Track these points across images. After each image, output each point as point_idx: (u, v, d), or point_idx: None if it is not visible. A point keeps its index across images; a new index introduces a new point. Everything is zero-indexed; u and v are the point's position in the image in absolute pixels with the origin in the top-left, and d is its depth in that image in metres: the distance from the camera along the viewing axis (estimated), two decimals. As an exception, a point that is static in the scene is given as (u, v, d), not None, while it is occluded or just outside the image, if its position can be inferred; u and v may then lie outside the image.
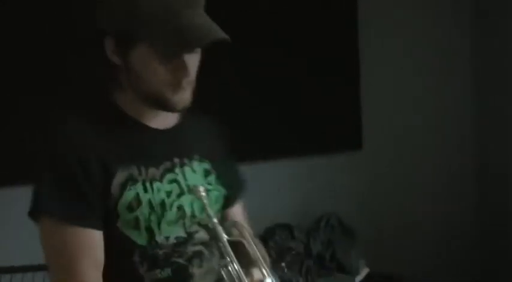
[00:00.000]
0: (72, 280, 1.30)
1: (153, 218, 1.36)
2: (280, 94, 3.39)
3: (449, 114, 3.74)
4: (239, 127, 3.12)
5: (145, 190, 1.36)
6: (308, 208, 3.44)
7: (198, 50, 1.36)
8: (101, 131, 1.36)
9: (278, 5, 3.38)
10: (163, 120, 1.43)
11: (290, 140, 3.41)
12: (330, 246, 3.31)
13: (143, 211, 1.35)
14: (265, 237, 3.13)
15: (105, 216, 1.33)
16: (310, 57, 3.44)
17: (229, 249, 1.31)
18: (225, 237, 1.31)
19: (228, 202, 1.53)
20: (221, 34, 1.31)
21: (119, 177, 1.34)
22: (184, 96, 1.36)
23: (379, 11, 3.58)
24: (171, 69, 1.32)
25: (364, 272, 3.27)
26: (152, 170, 1.38)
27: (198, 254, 1.41)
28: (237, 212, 1.57)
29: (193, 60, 1.35)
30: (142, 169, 1.37)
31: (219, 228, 1.34)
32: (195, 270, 1.40)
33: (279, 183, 3.35)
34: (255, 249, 1.31)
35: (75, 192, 1.31)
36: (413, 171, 3.65)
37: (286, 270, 3.15)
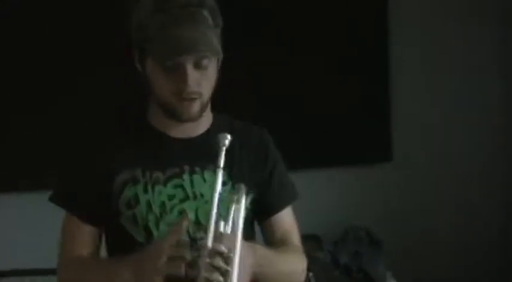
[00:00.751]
0: (61, 254, 1.55)
1: (151, 217, 1.48)
2: (311, 105, 3.42)
3: (480, 126, 3.71)
4: (275, 138, 3.16)
5: (146, 191, 1.49)
6: (336, 219, 3.46)
7: (206, 65, 1.44)
8: (121, 138, 1.53)
9: (303, 14, 3.42)
10: (185, 130, 1.52)
11: (320, 151, 3.45)
12: (357, 257, 3.32)
13: (140, 210, 1.48)
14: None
15: (110, 214, 1.50)
16: (340, 68, 3.46)
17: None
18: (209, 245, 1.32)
19: (270, 210, 1.60)
20: (202, 47, 1.40)
21: (122, 177, 1.49)
22: (191, 107, 1.44)
23: (410, 20, 3.58)
24: (174, 80, 1.42)
25: (391, 283, 3.28)
26: (157, 174, 1.49)
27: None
28: (283, 219, 1.63)
29: (196, 74, 1.42)
30: (147, 172, 1.49)
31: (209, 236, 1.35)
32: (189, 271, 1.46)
33: (308, 194, 3.36)
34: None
35: (76, 185, 1.52)
36: (442, 183, 3.64)
37: (313, 280, 3.18)
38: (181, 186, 1.48)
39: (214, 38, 1.44)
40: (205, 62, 1.43)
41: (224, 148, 1.38)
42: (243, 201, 1.40)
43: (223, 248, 1.29)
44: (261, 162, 1.61)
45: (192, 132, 1.55)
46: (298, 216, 3.19)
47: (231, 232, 1.34)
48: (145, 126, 1.55)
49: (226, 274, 1.28)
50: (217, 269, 1.28)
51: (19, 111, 3.17)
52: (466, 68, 3.67)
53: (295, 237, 1.64)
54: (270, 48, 3.33)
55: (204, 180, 1.51)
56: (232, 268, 1.29)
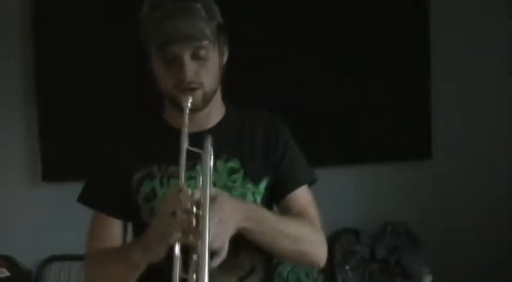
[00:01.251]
0: (87, 251, 1.64)
1: None
2: (353, 102, 3.49)
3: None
4: (313, 133, 3.25)
5: (162, 185, 1.56)
6: (375, 214, 3.50)
7: (205, 56, 1.49)
8: (139, 137, 1.62)
9: (347, 17, 3.50)
10: (197, 124, 1.57)
11: (361, 147, 3.51)
12: (394, 252, 3.37)
13: (158, 202, 1.54)
14: (331, 240, 3.21)
15: (132, 212, 1.59)
16: (381, 67, 3.52)
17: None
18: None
19: (284, 189, 1.61)
20: (193, 35, 1.46)
21: (139, 173, 1.57)
22: (193, 97, 1.50)
23: (451, 25, 3.61)
24: (173, 72, 1.48)
25: (428, 279, 3.31)
26: (172, 168, 1.55)
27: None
28: (298, 197, 1.62)
29: (194, 64, 1.48)
30: (163, 167, 1.56)
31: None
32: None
33: (348, 189, 3.44)
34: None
35: (98, 185, 1.63)
36: (482, 181, 3.65)
37: (350, 273, 3.24)
38: (195, 178, 1.49)
39: (207, 28, 1.48)
40: (202, 52, 1.48)
41: (207, 148, 1.43)
42: (210, 147, 1.43)
43: (188, 205, 1.33)
44: (273, 145, 1.64)
45: (205, 125, 1.60)
46: (339, 210, 3.28)
47: (201, 187, 1.37)
48: (161, 124, 1.63)
49: (195, 232, 1.31)
50: (188, 228, 1.31)
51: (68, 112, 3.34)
52: (506, 69, 3.68)
53: (313, 215, 1.61)
54: (307, 57, 3.43)
55: (216, 170, 1.55)
56: (203, 225, 1.30)
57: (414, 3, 3.57)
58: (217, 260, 1.34)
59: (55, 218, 3.35)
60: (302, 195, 1.63)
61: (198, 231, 1.30)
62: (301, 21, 3.44)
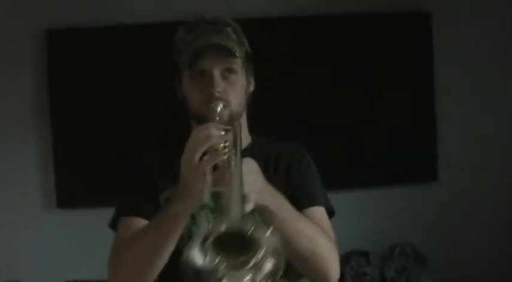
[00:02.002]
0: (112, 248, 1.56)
1: (195, 228, 1.55)
2: (360, 125, 3.56)
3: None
4: (323, 157, 3.30)
5: None
6: (383, 236, 3.55)
7: (233, 77, 1.54)
8: (167, 157, 1.58)
9: (353, 39, 3.57)
10: None
11: (369, 170, 3.56)
12: (403, 273, 3.40)
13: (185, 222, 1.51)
14: (341, 263, 3.24)
15: None
16: (388, 89, 3.58)
17: None
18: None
19: (302, 203, 1.57)
20: (224, 46, 1.50)
21: (167, 192, 1.56)
22: (220, 112, 1.51)
23: (454, 41, 3.67)
24: (202, 87, 1.52)
25: (436, 298, 3.34)
26: None
27: None
28: (315, 214, 1.59)
29: (223, 83, 1.52)
30: None
31: None
32: None
33: (357, 211, 3.48)
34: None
35: (133, 197, 1.59)
36: (486, 202, 3.68)
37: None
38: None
39: (237, 48, 1.54)
40: (232, 70, 1.53)
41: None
42: None
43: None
44: (295, 167, 1.65)
45: None
46: (348, 233, 3.32)
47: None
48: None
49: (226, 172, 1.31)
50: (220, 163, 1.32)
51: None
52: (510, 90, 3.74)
53: (329, 232, 1.57)
54: (317, 72, 3.50)
55: None
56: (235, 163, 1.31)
57: (418, 23, 3.63)
58: (249, 206, 1.30)
59: (69, 244, 3.41)
60: (319, 215, 1.60)
61: (229, 172, 1.30)
62: (307, 49, 3.53)
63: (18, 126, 3.47)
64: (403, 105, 3.60)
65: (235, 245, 1.23)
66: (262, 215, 1.43)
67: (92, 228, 3.33)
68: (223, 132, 1.37)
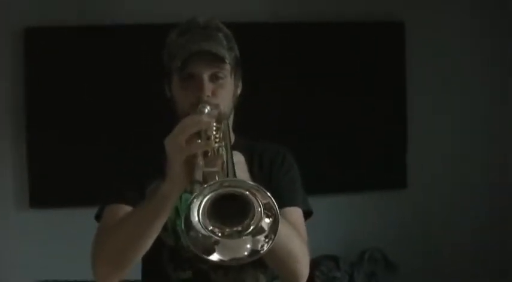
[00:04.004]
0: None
1: (179, 223, 1.57)
2: (328, 132, 3.60)
3: (494, 154, 3.81)
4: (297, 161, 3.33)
5: None
6: (353, 241, 3.59)
7: (221, 81, 1.57)
8: (155, 153, 1.56)
9: (329, 50, 3.62)
10: None
11: (339, 176, 3.61)
12: (372, 278, 3.45)
13: (170, 215, 1.53)
14: (311, 267, 3.27)
15: None
16: (361, 96, 3.63)
17: None
18: None
19: (279, 203, 1.53)
20: (213, 52, 1.54)
21: (152, 186, 1.56)
22: (208, 114, 1.53)
23: (427, 54, 3.74)
24: (191, 91, 1.55)
25: (405, 304, 3.39)
26: None
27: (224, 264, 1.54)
28: (291, 214, 1.59)
29: (212, 86, 1.55)
30: None
31: None
32: (219, 279, 1.57)
33: (327, 217, 3.50)
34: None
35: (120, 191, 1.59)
36: (455, 209, 3.74)
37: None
38: None
39: (227, 54, 1.57)
40: (221, 75, 1.56)
41: None
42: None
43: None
44: (276, 166, 1.68)
45: None
46: (318, 238, 3.34)
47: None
48: None
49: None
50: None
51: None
52: (483, 100, 3.81)
53: (302, 234, 1.59)
54: (292, 77, 3.55)
55: None
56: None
57: (391, 31, 3.70)
58: None
59: (41, 244, 3.38)
60: (294, 216, 1.60)
61: (221, 158, 1.32)
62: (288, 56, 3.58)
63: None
64: (375, 112, 3.66)
65: (231, 213, 1.26)
66: None
67: (64, 228, 3.36)
68: (214, 123, 1.39)
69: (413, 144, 3.73)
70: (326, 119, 3.60)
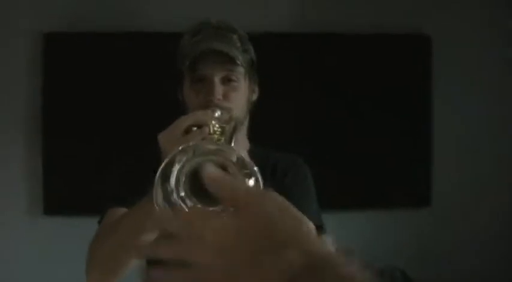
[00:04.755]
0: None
1: None
2: (352, 147, 3.52)
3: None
4: (315, 175, 3.27)
5: None
6: (372, 260, 3.49)
7: (234, 84, 1.51)
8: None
9: (352, 62, 3.55)
10: None
11: (361, 193, 3.53)
12: (392, 298, 3.37)
13: None
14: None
15: None
16: (382, 113, 3.56)
17: None
18: None
19: None
20: (226, 53, 1.48)
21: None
22: (218, 117, 1.47)
23: (454, 72, 3.66)
24: (202, 93, 1.50)
25: (425, 326, 3.30)
26: None
27: None
28: None
29: (224, 88, 1.50)
30: None
31: None
32: None
33: (346, 234, 3.40)
34: None
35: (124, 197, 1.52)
36: (480, 229, 3.67)
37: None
38: None
39: (240, 56, 1.51)
40: (233, 77, 1.51)
41: None
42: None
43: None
44: (291, 178, 1.63)
45: None
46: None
47: None
48: None
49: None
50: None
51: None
52: (508, 117, 3.73)
53: None
54: (313, 90, 3.49)
55: None
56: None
57: (417, 45, 3.62)
58: None
59: (54, 251, 3.36)
60: None
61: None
62: (306, 66, 3.51)
63: (8, 130, 3.42)
64: (400, 128, 3.59)
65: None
66: None
67: (77, 236, 3.30)
68: (214, 122, 1.32)
69: (438, 162, 3.65)
70: (348, 133, 3.53)
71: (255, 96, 1.62)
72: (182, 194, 1.11)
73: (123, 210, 1.49)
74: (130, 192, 1.47)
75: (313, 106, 3.48)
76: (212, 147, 1.15)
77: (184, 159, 1.13)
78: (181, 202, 1.12)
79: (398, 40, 3.59)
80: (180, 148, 1.11)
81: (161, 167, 1.10)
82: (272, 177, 1.58)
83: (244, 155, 1.26)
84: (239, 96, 1.53)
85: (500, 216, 3.70)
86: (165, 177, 1.11)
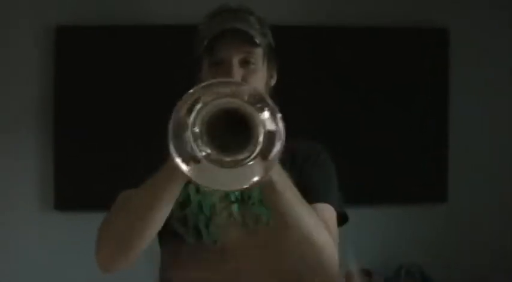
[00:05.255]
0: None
1: (202, 218, 1.48)
2: (370, 143, 3.48)
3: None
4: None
5: (197, 192, 1.50)
6: (389, 256, 3.47)
7: (254, 63, 1.45)
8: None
9: (367, 56, 3.50)
10: None
11: (377, 188, 3.49)
12: (408, 294, 3.34)
13: (192, 210, 1.48)
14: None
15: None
16: (399, 110, 3.51)
17: None
18: None
19: (310, 197, 1.44)
20: (243, 30, 1.42)
21: None
22: None
23: (471, 69, 3.61)
24: (221, 76, 1.40)
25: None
26: None
27: None
28: (321, 209, 1.46)
29: (242, 71, 1.43)
30: None
31: None
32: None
33: (363, 230, 3.39)
34: None
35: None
36: (496, 225, 3.62)
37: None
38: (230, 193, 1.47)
39: (259, 37, 1.45)
40: (252, 60, 1.45)
41: None
42: None
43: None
44: (311, 163, 1.55)
45: None
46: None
47: None
48: None
49: None
50: None
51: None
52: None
53: (332, 230, 1.44)
54: (328, 84, 3.44)
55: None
56: None
57: (435, 38, 3.56)
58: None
59: (65, 246, 3.34)
60: (326, 213, 1.46)
61: None
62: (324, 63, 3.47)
63: (20, 125, 3.39)
64: (416, 124, 3.54)
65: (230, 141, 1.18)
66: (263, 193, 1.34)
67: (88, 231, 3.27)
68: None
69: (455, 158, 3.59)
70: (364, 129, 3.48)
71: (273, 82, 1.56)
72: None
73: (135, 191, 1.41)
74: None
75: (328, 102, 3.43)
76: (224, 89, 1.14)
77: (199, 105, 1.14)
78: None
79: (415, 33, 3.54)
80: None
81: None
82: (291, 164, 1.50)
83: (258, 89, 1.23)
84: (258, 79, 1.46)
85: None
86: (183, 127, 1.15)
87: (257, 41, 1.44)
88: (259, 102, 1.16)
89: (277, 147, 1.16)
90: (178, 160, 1.15)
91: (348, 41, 3.48)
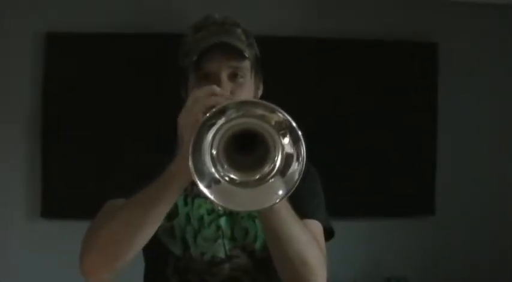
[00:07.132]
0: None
1: (189, 230, 1.48)
2: (356, 157, 3.48)
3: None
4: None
5: (186, 204, 1.49)
6: (376, 268, 3.47)
7: (243, 76, 1.44)
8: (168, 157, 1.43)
9: (357, 68, 3.52)
10: None
11: (364, 201, 3.48)
12: (395, 306, 3.34)
13: (179, 222, 1.47)
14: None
15: None
16: (386, 123, 3.53)
17: None
18: None
19: (298, 213, 1.43)
20: (230, 44, 1.41)
21: None
22: None
23: (459, 80, 3.64)
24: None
25: None
26: (198, 188, 1.38)
27: (234, 280, 1.45)
28: (310, 226, 1.46)
29: (231, 85, 1.42)
30: (189, 187, 1.42)
31: None
32: None
33: (349, 242, 3.39)
34: None
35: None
36: (484, 238, 3.63)
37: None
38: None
39: (246, 50, 1.45)
40: (240, 73, 1.44)
41: None
42: None
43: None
44: (303, 178, 1.57)
45: None
46: (338, 263, 3.25)
47: None
48: None
49: None
50: None
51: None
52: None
53: (320, 245, 1.45)
54: (319, 94, 3.46)
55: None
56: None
57: (424, 52, 3.59)
58: None
59: (51, 254, 3.32)
60: (313, 228, 1.46)
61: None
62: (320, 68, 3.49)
63: (7, 133, 3.37)
64: (404, 137, 3.55)
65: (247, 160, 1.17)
66: (260, 211, 1.33)
67: (74, 239, 3.25)
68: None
69: (442, 171, 3.60)
70: (353, 141, 3.48)
71: (260, 93, 1.56)
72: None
73: (123, 201, 1.38)
74: (129, 195, 1.37)
75: (318, 115, 3.43)
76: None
77: (221, 121, 1.12)
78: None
79: (406, 47, 3.57)
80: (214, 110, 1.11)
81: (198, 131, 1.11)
82: None
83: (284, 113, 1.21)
84: (246, 93, 1.45)
85: (505, 225, 3.66)
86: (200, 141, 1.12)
87: (246, 54, 1.43)
88: (284, 129, 1.17)
89: (295, 166, 1.18)
90: (201, 185, 1.14)
91: (338, 54, 3.50)
